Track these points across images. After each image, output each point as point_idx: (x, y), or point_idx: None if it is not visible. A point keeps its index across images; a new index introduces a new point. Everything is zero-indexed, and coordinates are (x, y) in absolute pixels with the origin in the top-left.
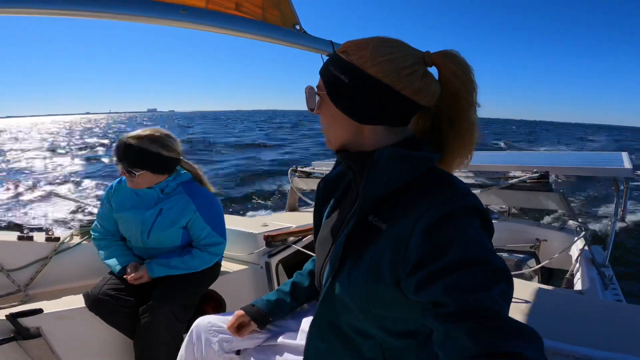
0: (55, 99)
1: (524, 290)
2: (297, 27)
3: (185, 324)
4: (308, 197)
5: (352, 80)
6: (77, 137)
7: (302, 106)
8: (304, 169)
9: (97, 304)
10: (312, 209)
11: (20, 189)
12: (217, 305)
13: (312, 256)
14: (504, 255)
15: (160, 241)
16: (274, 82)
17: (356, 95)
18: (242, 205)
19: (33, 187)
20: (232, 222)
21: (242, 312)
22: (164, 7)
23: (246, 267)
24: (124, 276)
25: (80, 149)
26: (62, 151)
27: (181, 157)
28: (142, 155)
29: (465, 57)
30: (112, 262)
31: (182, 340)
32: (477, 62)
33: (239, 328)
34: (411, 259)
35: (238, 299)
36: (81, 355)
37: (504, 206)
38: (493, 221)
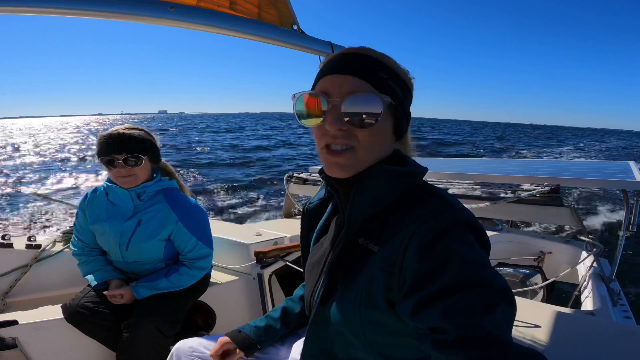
0: (68, 100)
1: (532, 311)
2: (295, 27)
3: (172, 338)
4: (303, 204)
5: (404, 94)
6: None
7: None
8: (300, 175)
9: (75, 316)
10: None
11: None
12: (207, 317)
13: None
14: (509, 270)
15: (140, 254)
16: (281, 85)
17: (406, 109)
18: (236, 210)
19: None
20: (223, 229)
21: (227, 338)
22: (150, 4)
23: (237, 277)
24: (104, 292)
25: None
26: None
27: (158, 152)
28: (143, 140)
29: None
30: (91, 278)
31: (168, 353)
32: (480, 64)
33: (223, 356)
34: (406, 281)
35: (229, 310)
36: None
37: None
38: (495, 232)
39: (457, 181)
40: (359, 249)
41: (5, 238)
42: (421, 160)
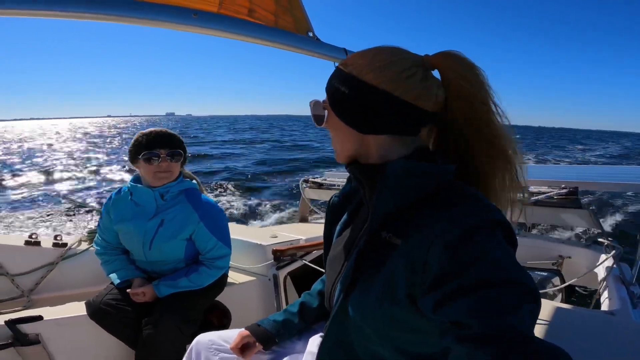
0: (78, 102)
1: (552, 311)
2: (310, 34)
3: (189, 337)
4: (319, 207)
5: (351, 91)
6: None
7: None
8: (316, 180)
9: (98, 313)
10: (322, 221)
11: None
12: (222, 317)
13: (321, 271)
14: None
15: (163, 253)
16: (288, 87)
17: (355, 105)
18: (252, 213)
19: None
20: (240, 231)
21: (246, 332)
22: (175, 11)
23: (253, 278)
24: (127, 290)
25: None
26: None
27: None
28: (181, 140)
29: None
30: (114, 276)
31: (184, 352)
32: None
33: (243, 349)
34: (430, 276)
35: (244, 311)
36: None
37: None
38: None
39: None
40: (381, 242)
41: (33, 237)
42: None
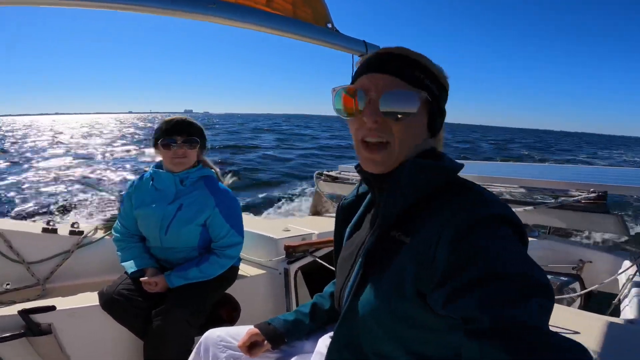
0: (101, 98)
1: (569, 317)
2: (329, 25)
3: (198, 329)
4: (332, 201)
5: (440, 92)
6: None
7: (331, 111)
8: (330, 173)
9: (110, 303)
10: (335, 215)
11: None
12: (231, 310)
13: (332, 269)
14: None
15: (178, 239)
16: (302, 86)
17: (441, 106)
18: (265, 206)
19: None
20: (252, 223)
21: (256, 330)
22: (193, 0)
23: (264, 272)
24: (140, 279)
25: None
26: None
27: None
28: (199, 128)
29: None
30: (129, 264)
31: (192, 344)
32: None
33: (251, 347)
34: (438, 271)
35: (253, 304)
36: (89, 353)
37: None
38: (532, 239)
39: (492, 184)
40: (391, 241)
41: (50, 224)
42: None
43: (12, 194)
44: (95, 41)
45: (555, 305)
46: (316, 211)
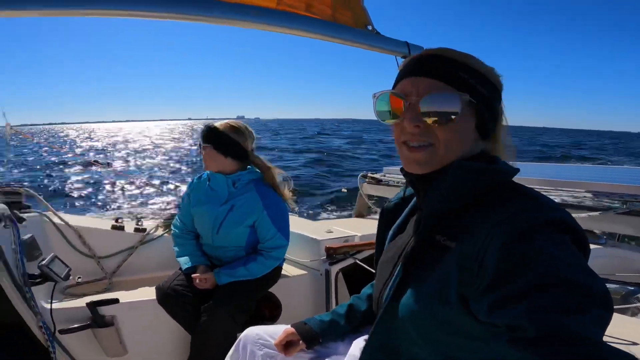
0: (162, 106)
1: (631, 328)
2: (369, 27)
3: (241, 326)
4: (377, 204)
5: (490, 93)
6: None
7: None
8: (374, 175)
9: (164, 297)
10: (378, 217)
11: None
12: (273, 309)
13: (373, 271)
14: (609, 286)
15: (227, 238)
16: (348, 90)
17: (490, 109)
18: (309, 207)
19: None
20: (296, 224)
21: (292, 329)
22: (237, 8)
23: (306, 272)
24: (192, 275)
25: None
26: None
27: (245, 148)
28: (210, 130)
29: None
30: (184, 260)
31: (235, 340)
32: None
33: (286, 346)
34: (486, 277)
35: (295, 303)
36: (144, 346)
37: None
38: (598, 246)
39: (555, 188)
40: (435, 245)
41: (119, 221)
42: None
43: (87, 191)
44: (157, 50)
45: (619, 315)
46: (360, 213)
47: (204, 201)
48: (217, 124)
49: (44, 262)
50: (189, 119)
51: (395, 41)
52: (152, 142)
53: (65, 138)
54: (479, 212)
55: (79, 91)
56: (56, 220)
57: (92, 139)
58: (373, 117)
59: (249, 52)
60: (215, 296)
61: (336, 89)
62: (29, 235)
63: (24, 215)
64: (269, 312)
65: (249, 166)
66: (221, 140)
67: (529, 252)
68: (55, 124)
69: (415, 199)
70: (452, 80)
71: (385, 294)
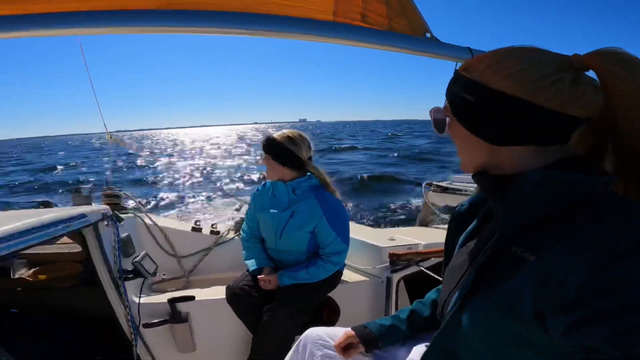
0: (230, 110)
1: None
2: (428, 34)
3: (299, 327)
4: (442, 213)
5: (478, 99)
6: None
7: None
8: (440, 184)
9: (233, 297)
10: (443, 226)
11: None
12: (331, 313)
13: (437, 279)
14: None
15: (289, 243)
16: (409, 90)
17: (485, 114)
18: (372, 215)
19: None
20: (358, 231)
21: (352, 332)
22: (298, 22)
23: (366, 279)
24: (258, 276)
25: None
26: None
27: (300, 157)
28: (268, 141)
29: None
30: (251, 262)
31: (292, 342)
32: None
33: (346, 348)
34: (568, 296)
35: (353, 309)
36: (211, 342)
37: None
38: None
39: None
40: (511, 257)
41: (197, 224)
42: None
43: (172, 195)
44: (221, 60)
45: None
46: (424, 222)
47: (268, 208)
48: (276, 134)
49: (137, 258)
50: (255, 122)
51: (456, 47)
52: (227, 147)
53: (155, 145)
54: (567, 225)
55: (163, 98)
56: (147, 220)
57: (177, 144)
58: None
59: (309, 56)
60: (277, 297)
61: (392, 90)
62: (125, 234)
63: (122, 216)
64: (327, 316)
65: (308, 173)
66: (278, 150)
67: (621, 275)
68: (144, 129)
69: (489, 203)
70: (448, 95)
71: (452, 302)
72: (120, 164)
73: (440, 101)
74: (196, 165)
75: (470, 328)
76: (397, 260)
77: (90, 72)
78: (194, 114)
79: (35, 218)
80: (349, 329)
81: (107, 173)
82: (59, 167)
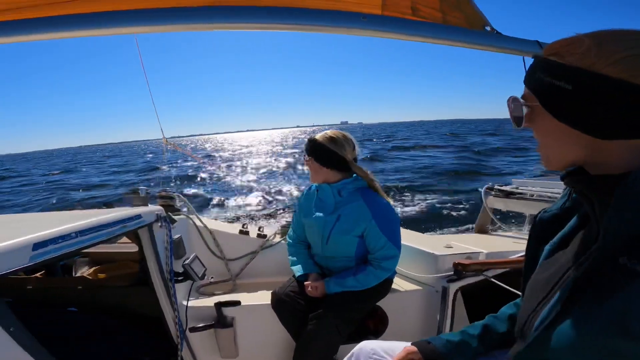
0: (273, 114)
1: None
2: (488, 28)
3: (345, 337)
4: (502, 219)
5: (580, 87)
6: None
7: (491, 114)
8: (503, 188)
9: (279, 303)
10: (503, 233)
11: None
12: (379, 323)
13: (511, 290)
14: None
15: (337, 248)
16: (454, 90)
17: (590, 104)
18: (425, 220)
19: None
20: (411, 237)
21: (413, 348)
22: (347, 16)
23: (419, 288)
24: (304, 282)
25: None
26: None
27: (344, 157)
28: (311, 143)
29: None
30: (297, 268)
31: (336, 352)
32: None
33: None
34: None
35: (403, 320)
36: (253, 349)
37: None
38: None
39: None
40: (616, 268)
41: (244, 227)
42: None
43: (219, 198)
44: (261, 65)
45: None
46: (482, 229)
47: (313, 211)
48: (318, 135)
49: (187, 261)
50: (297, 126)
51: (523, 41)
52: (272, 151)
53: (205, 149)
54: None
55: (210, 105)
56: (198, 223)
57: (225, 149)
58: (478, 116)
59: (350, 56)
60: (324, 304)
61: (431, 89)
62: (177, 236)
63: (175, 217)
64: (375, 326)
65: (354, 174)
66: (321, 151)
67: None
68: (195, 135)
69: (582, 209)
70: (531, 84)
71: (541, 317)
72: (175, 167)
73: (488, 99)
74: (249, 167)
75: (561, 348)
76: (462, 270)
77: (142, 82)
78: (239, 119)
79: (95, 218)
80: (409, 344)
81: (161, 176)
82: (164, 167)
